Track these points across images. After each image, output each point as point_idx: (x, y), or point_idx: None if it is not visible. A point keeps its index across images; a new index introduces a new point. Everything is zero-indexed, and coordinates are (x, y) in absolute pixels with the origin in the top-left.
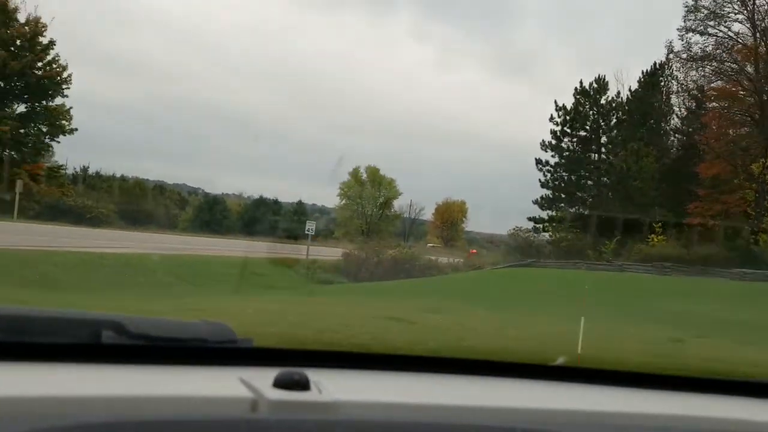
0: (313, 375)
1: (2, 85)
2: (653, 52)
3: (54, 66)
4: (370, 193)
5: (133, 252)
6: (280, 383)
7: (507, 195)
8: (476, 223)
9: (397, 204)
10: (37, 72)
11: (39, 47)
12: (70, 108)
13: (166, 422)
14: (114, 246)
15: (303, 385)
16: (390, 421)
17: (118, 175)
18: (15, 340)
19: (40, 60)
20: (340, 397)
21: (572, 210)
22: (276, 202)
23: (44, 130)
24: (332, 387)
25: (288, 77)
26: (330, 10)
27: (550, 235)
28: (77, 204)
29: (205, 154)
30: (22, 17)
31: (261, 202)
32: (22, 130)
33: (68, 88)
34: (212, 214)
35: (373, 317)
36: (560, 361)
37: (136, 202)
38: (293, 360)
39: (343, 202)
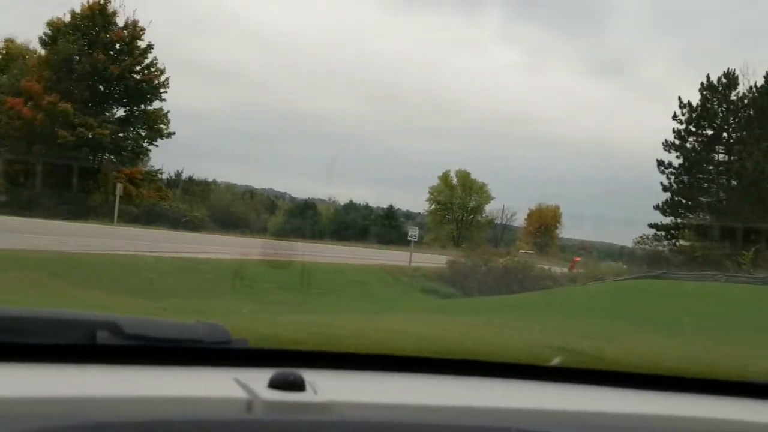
0: (309, 376)
1: (102, 89)
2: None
3: (152, 70)
4: (460, 198)
5: (236, 258)
6: (275, 384)
7: (602, 200)
8: (570, 229)
9: (488, 209)
10: (135, 76)
11: (137, 51)
12: (168, 112)
13: (161, 423)
14: (217, 251)
15: (298, 385)
16: (385, 422)
17: (209, 179)
18: (9, 341)
19: (139, 64)
20: (336, 398)
21: (696, 215)
22: (366, 206)
23: (142, 134)
24: (327, 388)
25: (373, 81)
26: (415, 12)
27: (673, 243)
28: (172, 208)
29: (289, 159)
30: (120, 21)
31: (351, 207)
32: (121, 134)
33: (165, 92)
34: (303, 218)
35: (534, 345)
36: (555, 361)
37: (227, 207)
38: (288, 361)
39: (432, 206)
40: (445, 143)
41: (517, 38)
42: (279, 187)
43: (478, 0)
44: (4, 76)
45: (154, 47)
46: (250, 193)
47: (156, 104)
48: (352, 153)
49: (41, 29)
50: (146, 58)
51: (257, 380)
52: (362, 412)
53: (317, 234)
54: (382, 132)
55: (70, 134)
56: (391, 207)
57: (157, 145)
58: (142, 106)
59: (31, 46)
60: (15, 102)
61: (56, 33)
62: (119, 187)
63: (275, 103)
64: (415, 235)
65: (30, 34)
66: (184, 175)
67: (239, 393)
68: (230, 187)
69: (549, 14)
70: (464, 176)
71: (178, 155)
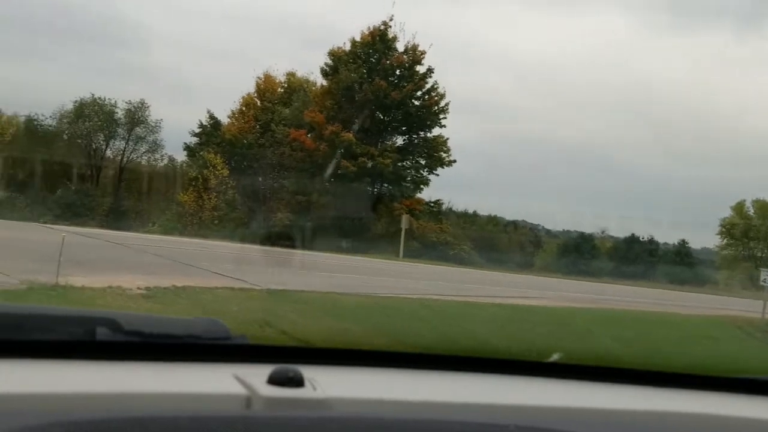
0: (308, 372)
1: (382, 116)
2: None
3: (432, 95)
4: (762, 230)
5: (558, 306)
6: (274, 380)
7: None
8: None
9: None
10: (415, 102)
11: (417, 76)
12: (447, 139)
13: (160, 419)
14: (529, 295)
15: (297, 381)
16: (384, 418)
17: (468, 211)
18: (10, 338)
19: (419, 89)
20: (335, 394)
21: None
22: (651, 241)
23: (422, 162)
24: (326, 384)
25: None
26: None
27: None
28: (440, 240)
29: (544, 190)
30: (400, 46)
31: (633, 241)
32: (401, 163)
33: (445, 117)
34: (579, 252)
35: None
36: (554, 357)
37: (491, 240)
38: (288, 357)
39: (724, 241)
40: (727, 171)
41: None
42: (532, 218)
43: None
44: (286, 109)
45: (434, 71)
46: (514, 225)
47: (435, 131)
48: (623, 183)
49: (321, 60)
50: (426, 82)
51: (256, 376)
52: (361, 408)
53: (594, 271)
54: (651, 158)
55: (352, 164)
56: (683, 242)
57: (437, 174)
58: (422, 133)
59: (311, 78)
60: (298, 134)
61: (337, 62)
62: (405, 219)
63: (530, 131)
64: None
65: (307, 66)
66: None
67: (238, 389)
68: (492, 219)
69: None
70: (763, 206)
71: (437, 185)
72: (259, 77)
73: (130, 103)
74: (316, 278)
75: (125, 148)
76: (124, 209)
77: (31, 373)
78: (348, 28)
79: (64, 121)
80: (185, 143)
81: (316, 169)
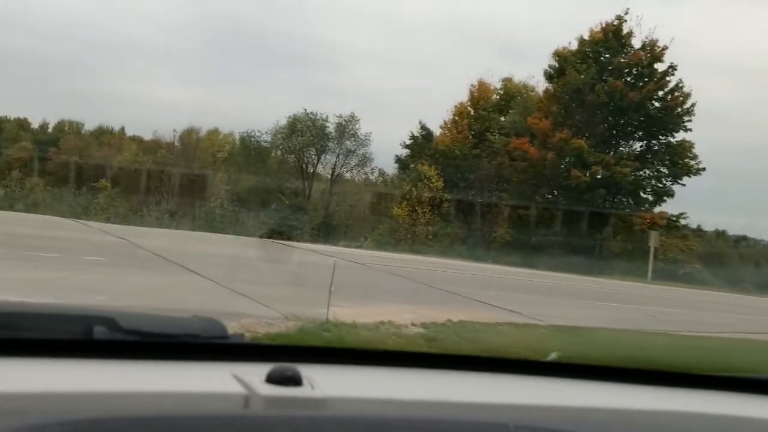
0: (306, 371)
1: (617, 120)
2: None
3: (675, 94)
4: None
5: None
6: (272, 379)
7: None
8: None
9: None
10: (655, 103)
11: (657, 74)
12: (693, 144)
13: (157, 418)
14: None
15: (295, 380)
16: (382, 417)
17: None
18: (6, 336)
19: (660, 89)
20: (333, 393)
21: None
22: None
23: (664, 171)
24: (325, 383)
25: None
26: None
27: None
28: (683, 260)
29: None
30: (635, 42)
31: None
32: (639, 172)
33: (690, 120)
34: None
35: None
36: (552, 356)
37: (720, 257)
38: (286, 356)
39: None
40: None
41: None
42: (754, 233)
43: None
44: (502, 117)
45: (677, 68)
46: (745, 241)
47: (679, 135)
48: None
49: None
50: (668, 81)
51: (254, 375)
52: (360, 407)
53: None
54: None
55: (583, 174)
56: None
57: (683, 184)
58: (663, 138)
59: (529, 83)
60: (520, 142)
61: (563, 63)
62: (654, 236)
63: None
64: None
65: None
66: None
67: (236, 388)
68: (720, 234)
69: None
70: None
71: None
72: (472, 84)
73: (340, 116)
74: (580, 307)
75: (335, 162)
76: (334, 223)
77: (28, 371)
78: (547, 35)
79: (278, 136)
80: (396, 155)
81: (541, 180)
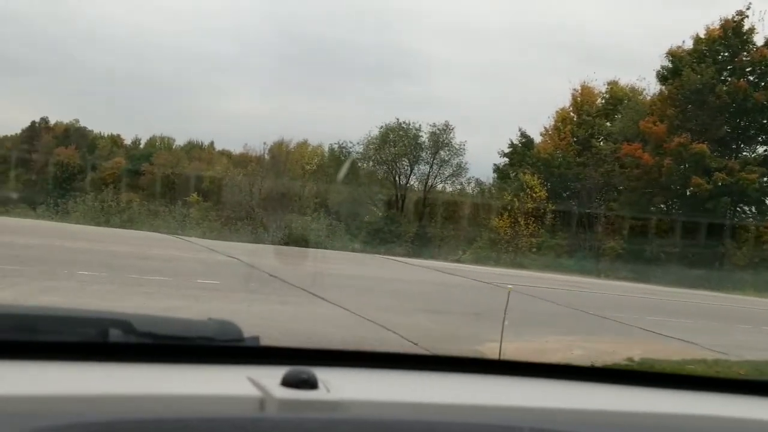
0: (321, 374)
1: (741, 122)
2: None
3: None
4: None
5: None
6: (288, 382)
7: None
8: None
9: None
10: None
11: None
12: None
13: (173, 421)
14: None
15: (311, 383)
16: (398, 420)
17: None
18: (23, 339)
19: None
20: (349, 396)
21: None
22: None
23: None
24: (340, 386)
25: None
26: None
27: None
28: None
29: None
30: (758, 39)
31: None
32: (766, 178)
33: None
34: None
35: None
36: (568, 359)
37: None
38: (301, 359)
39: None
40: None
41: None
42: None
43: None
44: (608, 122)
45: None
46: None
47: None
48: None
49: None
50: None
51: (270, 378)
52: (375, 410)
53: None
54: None
55: (705, 181)
56: None
57: None
58: None
59: (637, 86)
60: (632, 148)
61: (678, 64)
62: None
63: None
64: None
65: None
66: None
67: (252, 391)
68: None
69: None
70: None
71: None
72: (575, 89)
73: (434, 125)
74: (749, 333)
75: (429, 172)
76: (429, 236)
77: (43, 374)
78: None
79: (370, 147)
80: (495, 164)
81: (655, 188)
